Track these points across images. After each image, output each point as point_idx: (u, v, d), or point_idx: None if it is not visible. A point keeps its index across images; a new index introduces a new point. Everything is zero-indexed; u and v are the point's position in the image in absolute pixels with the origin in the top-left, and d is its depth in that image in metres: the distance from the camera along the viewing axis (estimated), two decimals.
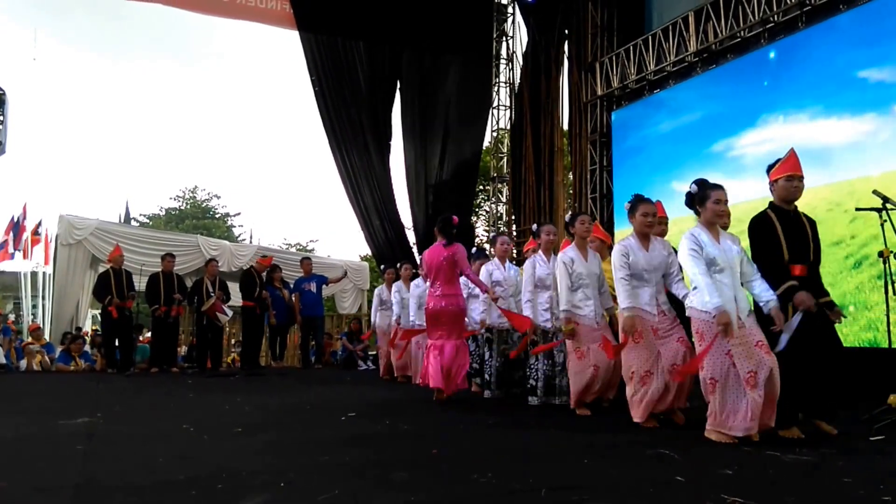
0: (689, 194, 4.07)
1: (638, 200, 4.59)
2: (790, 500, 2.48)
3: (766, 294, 3.81)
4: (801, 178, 3.99)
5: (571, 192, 13.03)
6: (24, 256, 13.65)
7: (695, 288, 3.89)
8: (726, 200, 3.94)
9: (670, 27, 9.56)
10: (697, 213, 4.03)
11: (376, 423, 4.58)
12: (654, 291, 4.43)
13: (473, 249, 7.59)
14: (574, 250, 5.20)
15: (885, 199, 4.44)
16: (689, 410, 4.46)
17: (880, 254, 4.48)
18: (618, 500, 2.52)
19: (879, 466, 3.16)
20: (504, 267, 6.41)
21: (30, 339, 10.38)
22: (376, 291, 9.29)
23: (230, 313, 10.26)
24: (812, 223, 4.07)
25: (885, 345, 4.65)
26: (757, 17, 8.18)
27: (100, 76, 57.17)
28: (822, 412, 3.90)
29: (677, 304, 4.42)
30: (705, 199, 3.95)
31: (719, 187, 3.98)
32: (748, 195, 3.94)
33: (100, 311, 10.21)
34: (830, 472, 2.99)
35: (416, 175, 13.49)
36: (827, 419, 3.90)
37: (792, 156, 4.02)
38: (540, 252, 5.71)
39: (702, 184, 4.03)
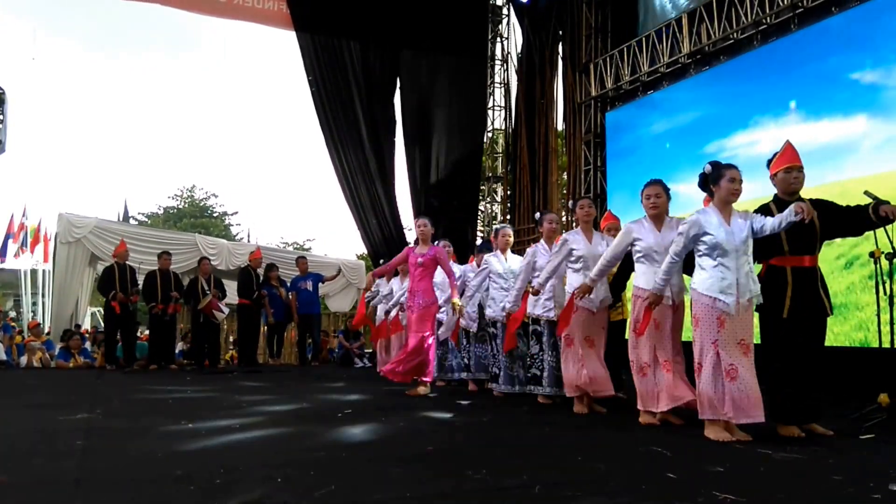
0: (702, 175, 4.07)
1: (646, 184, 4.60)
2: (781, 498, 2.51)
3: (778, 217, 3.76)
4: (800, 168, 3.99)
5: (566, 191, 13.08)
6: (22, 253, 13.64)
7: (700, 269, 3.90)
8: (741, 179, 3.94)
9: (664, 29, 9.60)
10: (711, 193, 4.03)
11: (372, 420, 4.60)
12: None
13: (479, 241, 7.62)
14: (576, 232, 5.23)
15: (877, 200, 4.47)
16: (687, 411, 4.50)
17: (871, 254, 4.52)
18: (610, 496, 2.54)
19: (869, 464, 3.20)
20: (506, 258, 6.42)
21: (30, 336, 10.40)
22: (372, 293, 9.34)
23: (227, 311, 10.29)
24: (824, 205, 4.02)
25: (876, 344, 4.69)
26: (750, 19, 8.22)
27: (98, 75, 57.12)
28: (814, 416, 3.92)
29: None
30: (720, 178, 3.95)
31: (733, 166, 3.98)
32: (742, 196, 3.96)
33: (100, 307, 10.25)
34: (821, 470, 3.02)
35: (414, 175, 13.51)
36: (819, 421, 3.93)
37: (788, 147, 4.02)
38: (542, 241, 5.73)
39: (715, 164, 4.04)
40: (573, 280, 5.14)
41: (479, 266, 6.85)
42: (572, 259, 5.16)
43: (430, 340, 6.09)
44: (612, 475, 2.95)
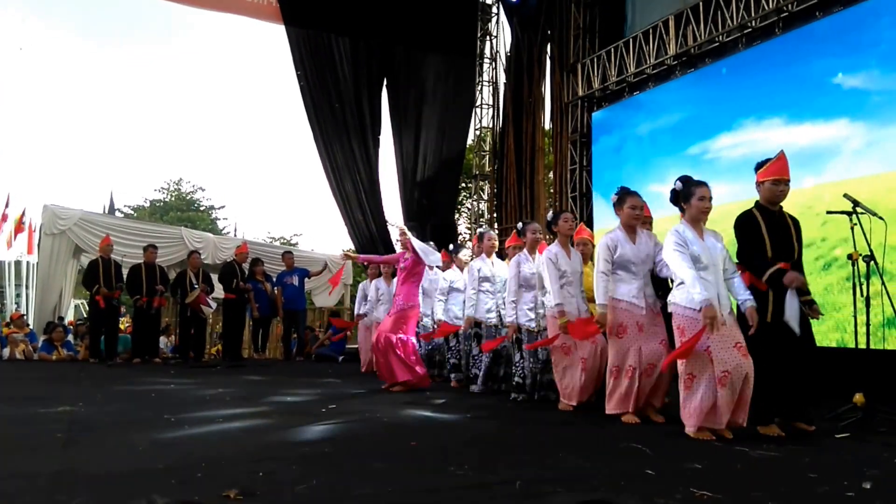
0: (673, 191, 4.10)
1: (625, 193, 4.63)
2: (757, 495, 2.55)
3: (742, 293, 3.87)
4: (787, 182, 4.04)
5: (552, 190, 13.13)
6: (8, 246, 13.52)
7: (679, 283, 3.94)
8: (710, 197, 3.98)
9: (650, 30, 9.65)
10: (682, 209, 4.06)
11: (356, 415, 4.62)
12: (642, 284, 4.49)
13: (451, 246, 7.65)
14: (558, 247, 5.21)
15: (856, 203, 4.53)
16: (666, 407, 4.55)
17: (849, 256, 4.58)
18: (590, 492, 2.58)
19: (844, 462, 3.26)
20: (492, 262, 6.45)
21: (12, 328, 10.32)
22: (360, 286, 9.35)
23: (214, 305, 10.26)
24: (796, 223, 4.13)
25: (853, 345, 4.76)
26: (735, 23, 8.28)
27: (85, 66, 56.39)
28: (798, 413, 3.98)
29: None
30: (690, 195, 3.99)
31: (703, 184, 4.02)
32: (723, 198, 4.01)
33: (84, 300, 10.21)
34: (796, 468, 3.07)
35: (401, 171, 13.52)
36: (802, 419, 3.98)
37: (781, 159, 4.05)
38: (525, 251, 5.73)
39: (686, 181, 4.06)
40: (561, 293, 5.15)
41: (460, 269, 6.95)
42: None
43: (406, 340, 6.22)
44: (593, 471, 3.00)
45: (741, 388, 3.74)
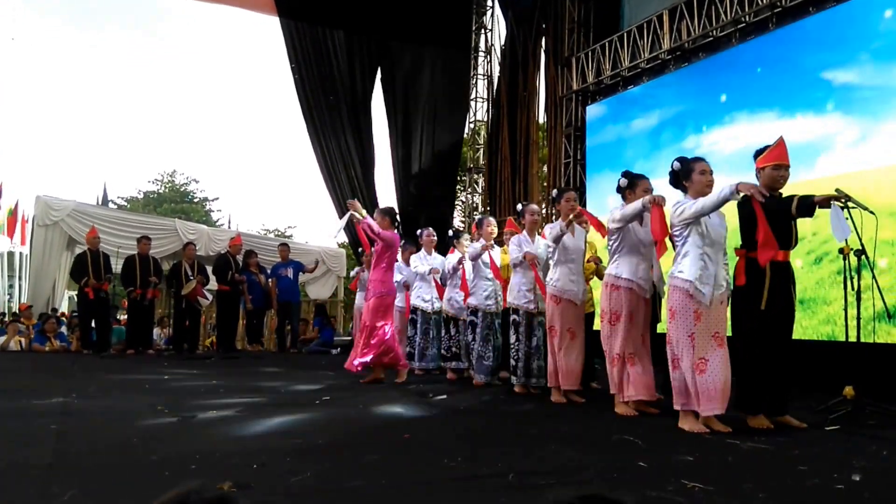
0: (672, 172, 4.10)
1: (636, 176, 4.64)
2: (748, 487, 2.56)
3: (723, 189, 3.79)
4: (787, 167, 4.04)
5: (546, 184, 13.13)
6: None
7: (684, 255, 3.92)
8: (711, 171, 3.98)
9: (645, 25, 9.65)
10: (684, 189, 4.06)
11: (350, 407, 4.63)
12: (647, 266, 4.50)
13: (450, 232, 7.64)
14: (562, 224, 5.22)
15: (847, 198, 4.55)
16: (661, 402, 4.57)
17: (840, 251, 4.61)
18: (583, 484, 2.60)
19: (833, 455, 3.27)
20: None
21: (17, 318, 10.32)
22: (355, 272, 9.38)
23: (210, 298, 10.26)
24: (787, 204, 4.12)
25: (842, 338, 4.79)
26: (729, 17, 8.29)
27: (79, 57, 56.11)
28: (782, 409, 4.00)
29: None
30: (690, 171, 3.99)
31: (702, 159, 4.04)
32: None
33: (76, 292, 10.21)
34: (787, 460, 3.09)
35: (396, 164, 13.51)
36: (787, 413, 4.00)
37: (780, 144, 4.04)
38: (524, 232, 5.76)
39: (683, 160, 4.09)
40: (555, 273, 5.17)
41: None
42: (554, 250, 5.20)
43: (388, 330, 6.17)
44: (585, 464, 3.01)
45: (720, 377, 3.77)
